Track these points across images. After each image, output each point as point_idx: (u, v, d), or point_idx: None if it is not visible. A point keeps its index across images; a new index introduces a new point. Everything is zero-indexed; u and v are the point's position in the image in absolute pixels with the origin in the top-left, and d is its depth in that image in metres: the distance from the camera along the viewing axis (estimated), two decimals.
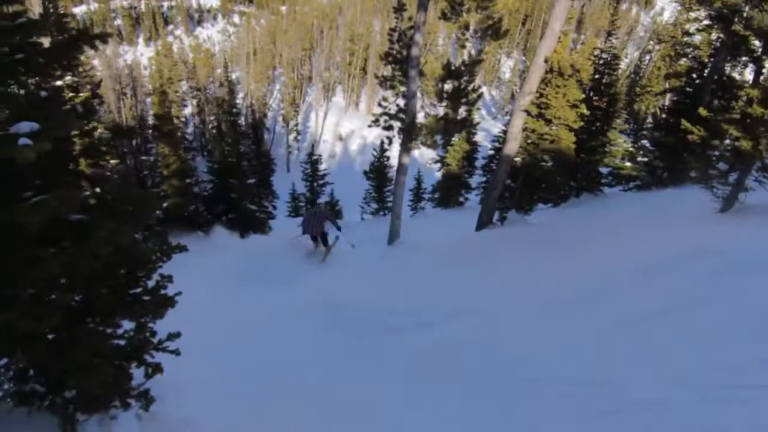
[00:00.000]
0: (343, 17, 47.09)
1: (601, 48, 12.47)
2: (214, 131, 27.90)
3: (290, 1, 51.39)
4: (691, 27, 12.19)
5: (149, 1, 54.40)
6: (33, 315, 2.22)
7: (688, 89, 11.42)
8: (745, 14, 9.80)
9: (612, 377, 3.34)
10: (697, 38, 11.88)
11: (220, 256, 9.33)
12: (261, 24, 51.45)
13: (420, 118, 9.14)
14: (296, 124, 39.70)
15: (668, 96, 16.05)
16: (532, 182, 9.48)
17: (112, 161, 9.28)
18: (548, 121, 8.60)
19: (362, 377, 4.55)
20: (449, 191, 17.32)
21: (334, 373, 4.74)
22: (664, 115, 12.23)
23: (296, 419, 3.70)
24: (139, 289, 2.98)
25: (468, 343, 4.80)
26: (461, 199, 17.47)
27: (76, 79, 9.21)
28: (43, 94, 2.59)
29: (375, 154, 17.47)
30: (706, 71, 11.19)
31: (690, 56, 12.02)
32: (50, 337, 2.62)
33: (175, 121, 18.19)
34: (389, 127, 9.03)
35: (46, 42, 2.50)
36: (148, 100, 35.40)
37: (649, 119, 27.21)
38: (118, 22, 53.16)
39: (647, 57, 42.23)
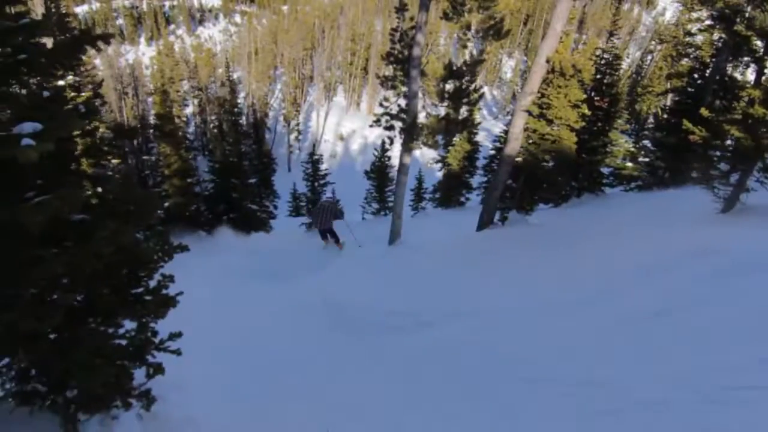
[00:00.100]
0: (345, 17, 47.08)
1: (603, 48, 12.43)
2: (216, 131, 27.93)
3: (292, 0, 51.42)
4: (693, 27, 12.17)
5: (151, 1, 54.49)
6: (35, 315, 2.23)
7: (689, 89, 11.39)
8: (747, 14, 9.78)
9: (612, 377, 3.34)
10: (699, 38, 11.87)
11: (221, 256, 9.37)
12: (262, 23, 51.51)
13: (421, 118, 9.14)
14: (297, 124, 39.72)
15: (670, 96, 16.03)
16: (534, 182, 9.47)
17: (114, 161, 9.30)
18: (549, 121, 8.59)
19: (362, 377, 4.56)
20: (450, 191, 17.30)
21: (335, 373, 4.74)
22: (665, 116, 12.21)
23: (296, 419, 3.71)
24: (140, 289, 3.00)
25: (468, 343, 4.81)
26: (462, 199, 17.45)
27: (77, 78, 9.26)
28: (46, 94, 2.60)
29: (376, 154, 17.43)
30: (708, 71, 11.17)
31: (692, 56, 12.01)
32: (52, 336, 2.64)
33: (177, 120, 18.22)
34: (390, 127, 9.03)
35: (48, 42, 2.51)
36: (150, 99, 35.49)
37: (651, 119, 27.18)
38: (120, 21, 53.26)
39: (649, 57, 42.16)
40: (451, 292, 6.33)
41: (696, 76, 11.37)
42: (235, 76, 31.23)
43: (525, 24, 49.34)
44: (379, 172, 17.27)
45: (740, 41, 9.88)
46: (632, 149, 12.95)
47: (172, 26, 55.89)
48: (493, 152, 15.99)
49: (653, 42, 42.69)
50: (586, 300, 5.08)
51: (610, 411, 2.93)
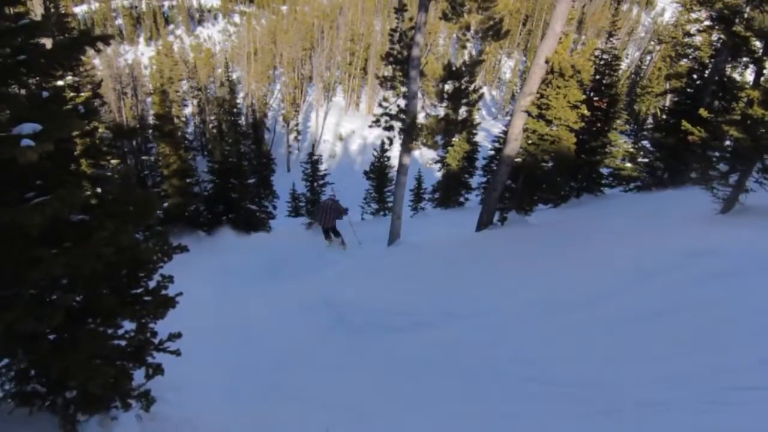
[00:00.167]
0: (344, 17, 47.05)
1: (602, 48, 12.45)
2: (215, 131, 27.93)
3: (291, 0, 51.42)
4: (692, 28, 12.17)
5: (150, 1, 54.48)
6: (34, 315, 2.23)
7: (688, 90, 11.41)
8: (746, 15, 9.79)
9: (612, 377, 3.34)
10: (698, 39, 11.88)
11: (221, 256, 9.36)
12: (261, 24, 51.52)
13: (420, 118, 9.15)
14: (296, 124, 39.69)
15: (669, 97, 16.07)
16: (533, 183, 9.47)
17: (113, 161, 9.28)
18: (549, 122, 8.60)
19: (362, 377, 4.55)
20: (449, 191, 17.31)
21: (334, 373, 4.74)
22: (664, 116, 12.22)
23: (296, 419, 3.70)
24: (140, 290, 2.99)
25: (468, 343, 4.81)
26: (461, 199, 17.47)
27: (77, 78, 9.24)
28: (45, 94, 2.60)
29: (375, 154, 17.45)
30: (707, 72, 11.19)
31: (691, 57, 12.02)
32: (51, 337, 2.63)
33: (176, 120, 18.22)
34: (390, 128, 9.04)
35: (48, 43, 2.51)
36: (149, 99, 35.44)
37: (650, 120, 27.26)
38: (119, 21, 53.23)
39: (648, 58, 42.22)
40: (451, 292, 6.33)
41: (695, 76, 11.40)
42: (234, 76, 31.23)
43: (524, 24, 49.37)
44: (378, 172, 17.29)
45: (739, 42, 9.90)
46: (631, 150, 12.96)
47: (171, 26, 55.89)
48: (492, 152, 16.01)
49: (652, 42, 42.74)
50: (586, 300, 5.08)
51: (610, 411, 2.93)
